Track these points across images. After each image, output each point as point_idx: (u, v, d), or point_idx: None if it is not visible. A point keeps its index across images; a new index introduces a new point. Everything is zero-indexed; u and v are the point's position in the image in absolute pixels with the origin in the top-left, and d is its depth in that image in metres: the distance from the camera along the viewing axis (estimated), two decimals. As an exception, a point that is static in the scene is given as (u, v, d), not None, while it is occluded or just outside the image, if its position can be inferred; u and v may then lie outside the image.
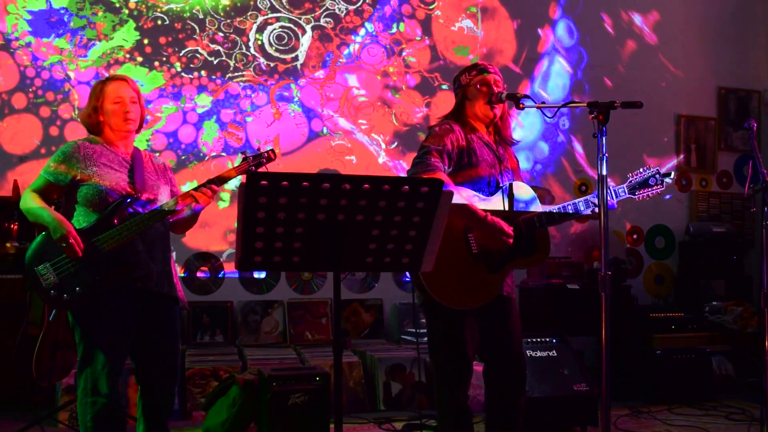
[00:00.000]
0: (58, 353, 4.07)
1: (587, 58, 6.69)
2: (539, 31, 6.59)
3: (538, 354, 4.49)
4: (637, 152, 6.64)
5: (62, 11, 5.45)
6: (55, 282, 2.88)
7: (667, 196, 6.69)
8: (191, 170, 5.62)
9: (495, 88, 3.16)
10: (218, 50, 5.76)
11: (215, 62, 5.75)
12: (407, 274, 5.90)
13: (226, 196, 5.68)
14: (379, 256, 2.30)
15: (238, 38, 5.82)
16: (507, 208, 3.09)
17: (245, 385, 4.17)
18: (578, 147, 6.60)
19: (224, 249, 5.67)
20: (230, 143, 5.75)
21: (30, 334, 4.00)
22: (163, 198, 3.07)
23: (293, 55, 5.95)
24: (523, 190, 3.16)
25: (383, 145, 6.11)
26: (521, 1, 6.56)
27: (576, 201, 3.13)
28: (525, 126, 6.38)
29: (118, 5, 5.57)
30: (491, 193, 3.12)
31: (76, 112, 5.41)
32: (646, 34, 6.88)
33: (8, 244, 4.94)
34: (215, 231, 5.63)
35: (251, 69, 5.84)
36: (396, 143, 6.13)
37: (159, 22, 5.65)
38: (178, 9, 5.70)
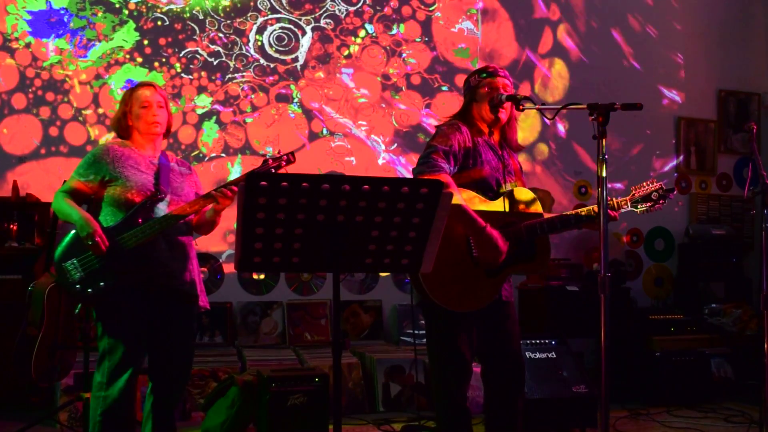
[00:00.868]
0: (57, 354, 4.07)
1: (587, 59, 6.69)
2: (539, 32, 6.59)
3: (538, 356, 4.49)
4: (636, 154, 6.64)
5: (62, 12, 5.45)
6: (80, 277, 3.02)
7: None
8: (191, 171, 5.62)
9: (503, 92, 3.15)
10: (218, 51, 5.77)
11: (215, 63, 5.76)
12: (407, 275, 5.91)
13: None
14: (379, 257, 2.30)
15: (238, 39, 5.82)
16: (508, 212, 3.09)
17: (244, 386, 4.16)
18: (578, 149, 6.60)
19: (224, 250, 5.68)
20: (230, 144, 5.76)
21: (29, 334, 4.00)
22: (187, 199, 3.19)
23: (293, 56, 5.96)
24: (524, 194, 3.16)
25: (383, 146, 6.11)
26: (521, 2, 6.57)
27: (578, 213, 3.11)
28: (525, 128, 6.38)
29: (118, 6, 5.57)
30: (493, 197, 3.12)
31: (76, 112, 5.42)
32: (647, 36, 6.88)
33: (8, 244, 4.94)
34: (214, 231, 5.58)
35: (251, 70, 5.84)
36: (396, 144, 6.14)
37: (159, 22, 5.65)
38: (178, 10, 5.70)
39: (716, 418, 4.95)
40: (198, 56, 5.72)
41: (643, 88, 6.73)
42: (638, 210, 3.16)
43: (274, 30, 5.93)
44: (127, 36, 5.58)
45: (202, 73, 5.72)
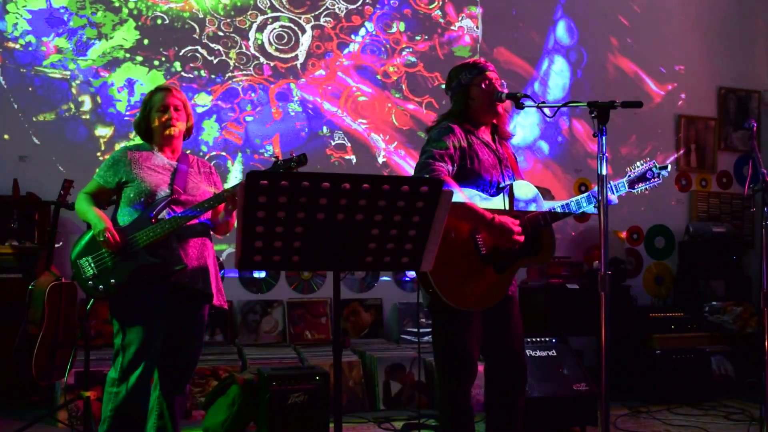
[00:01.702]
0: (57, 352, 4.07)
1: (587, 57, 6.69)
2: (539, 30, 6.59)
3: (538, 354, 4.49)
4: (637, 152, 6.64)
5: (62, 10, 5.44)
6: (93, 274, 3.10)
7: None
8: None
9: (498, 87, 3.16)
10: (218, 49, 5.76)
11: (215, 62, 5.75)
12: (407, 273, 5.91)
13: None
14: (379, 256, 2.30)
15: (238, 38, 5.82)
16: (508, 208, 3.09)
17: (245, 385, 4.17)
18: (578, 146, 6.60)
19: (224, 248, 5.68)
20: (230, 142, 5.76)
21: (29, 333, 4.00)
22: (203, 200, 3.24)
23: (293, 54, 5.95)
24: (524, 189, 3.16)
25: (383, 145, 6.11)
26: (521, 0, 6.56)
27: (579, 198, 3.14)
28: (525, 125, 6.37)
29: (117, 4, 5.57)
30: (493, 194, 3.13)
31: (75, 112, 5.42)
32: (647, 34, 6.87)
33: (8, 244, 4.94)
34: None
35: (251, 68, 5.84)
36: (396, 143, 6.13)
37: (159, 21, 5.65)
38: (178, 8, 5.70)
39: (716, 416, 4.95)
40: (198, 55, 5.72)
41: (643, 85, 6.73)
42: (635, 190, 3.19)
43: (274, 28, 5.92)
44: (127, 34, 5.57)
45: (203, 72, 5.72)
